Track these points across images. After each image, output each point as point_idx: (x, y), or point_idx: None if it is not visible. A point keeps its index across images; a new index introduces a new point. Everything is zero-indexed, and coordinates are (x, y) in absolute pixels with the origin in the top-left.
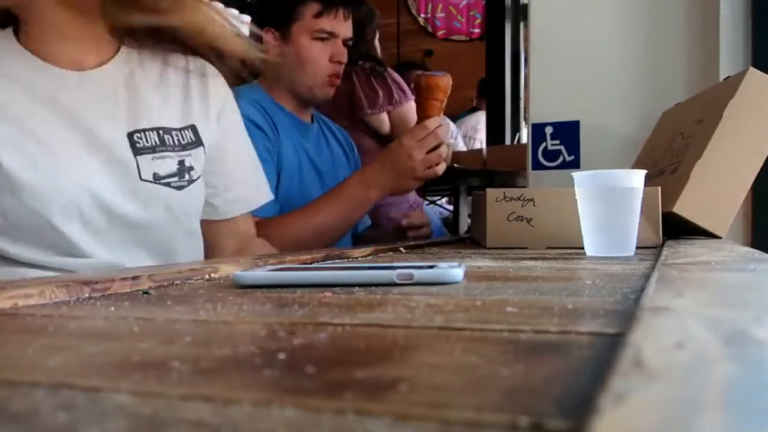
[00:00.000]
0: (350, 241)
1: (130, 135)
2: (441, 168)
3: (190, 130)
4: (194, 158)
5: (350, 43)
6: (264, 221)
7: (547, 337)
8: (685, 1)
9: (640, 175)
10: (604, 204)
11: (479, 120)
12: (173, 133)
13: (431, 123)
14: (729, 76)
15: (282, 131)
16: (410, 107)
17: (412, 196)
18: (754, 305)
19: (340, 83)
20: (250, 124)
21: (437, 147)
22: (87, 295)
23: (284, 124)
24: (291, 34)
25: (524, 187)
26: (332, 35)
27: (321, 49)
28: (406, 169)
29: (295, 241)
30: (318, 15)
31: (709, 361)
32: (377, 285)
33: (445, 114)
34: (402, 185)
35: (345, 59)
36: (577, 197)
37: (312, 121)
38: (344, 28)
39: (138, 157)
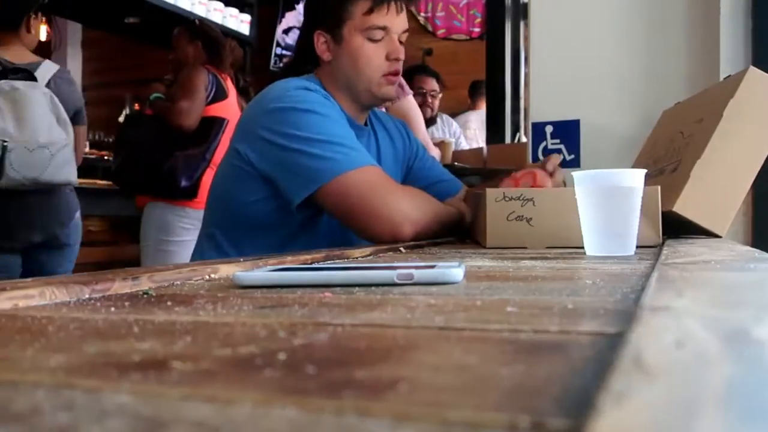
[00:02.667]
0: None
1: None
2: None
3: None
4: None
5: (405, 35)
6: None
7: (547, 337)
8: (685, 1)
9: (640, 174)
10: (604, 204)
11: (468, 119)
12: None
13: None
14: (729, 76)
15: None
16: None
17: None
18: (754, 305)
19: None
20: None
21: None
22: (87, 295)
23: None
24: (342, 36)
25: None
26: (386, 31)
27: (375, 48)
28: None
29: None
30: (369, 11)
31: (709, 361)
32: (377, 285)
33: (444, 113)
34: None
35: (402, 55)
36: (577, 197)
37: (366, 124)
38: (398, 22)
39: None
